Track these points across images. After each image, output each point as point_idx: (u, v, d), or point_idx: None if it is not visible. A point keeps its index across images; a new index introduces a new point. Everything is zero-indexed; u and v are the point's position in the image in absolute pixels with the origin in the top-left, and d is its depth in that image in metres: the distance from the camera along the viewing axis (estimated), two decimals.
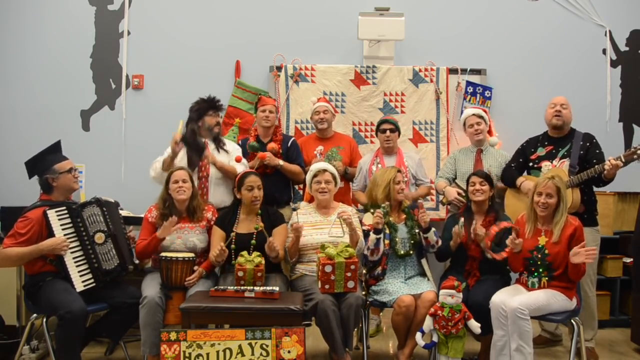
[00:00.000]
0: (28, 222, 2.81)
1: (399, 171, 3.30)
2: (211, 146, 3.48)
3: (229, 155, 3.49)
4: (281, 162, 3.56)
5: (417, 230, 3.21)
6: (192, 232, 3.14)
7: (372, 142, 4.44)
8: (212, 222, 3.20)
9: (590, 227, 3.32)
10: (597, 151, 3.36)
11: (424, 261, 3.29)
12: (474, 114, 3.74)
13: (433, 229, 3.21)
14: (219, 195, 3.45)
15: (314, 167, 3.31)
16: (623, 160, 3.10)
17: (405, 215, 3.27)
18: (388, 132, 3.69)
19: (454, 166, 3.78)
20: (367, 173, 3.71)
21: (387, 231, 3.17)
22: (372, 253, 3.11)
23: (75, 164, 3.07)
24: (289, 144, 3.72)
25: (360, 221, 3.30)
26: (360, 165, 3.79)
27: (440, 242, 3.23)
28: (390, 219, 3.22)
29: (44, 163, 2.94)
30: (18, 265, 3.04)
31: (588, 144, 3.37)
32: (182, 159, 3.42)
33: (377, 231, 3.08)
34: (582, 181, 3.23)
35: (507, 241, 2.91)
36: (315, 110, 3.86)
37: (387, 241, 3.14)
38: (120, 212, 3.35)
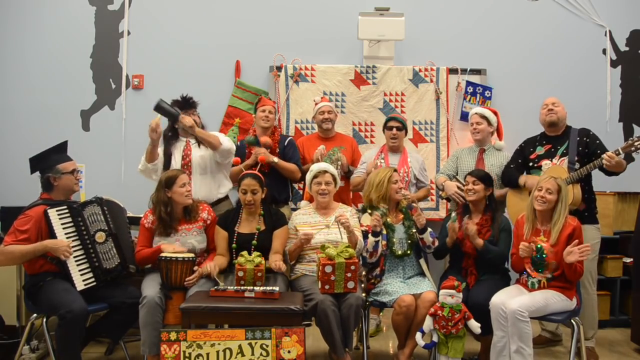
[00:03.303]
0: (28, 220, 2.81)
1: (394, 170, 3.30)
2: (192, 142, 3.50)
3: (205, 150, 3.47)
4: (275, 159, 3.56)
5: (414, 230, 3.21)
6: (190, 233, 3.13)
7: (372, 142, 4.45)
8: (209, 222, 3.20)
9: (590, 225, 3.33)
10: (598, 141, 3.36)
11: (422, 261, 3.29)
12: (476, 113, 3.76)
13: (429, 229, 3.20)
14: (204, 189, 3.45)
15: (315, 167, 3.31)
16: (621, 152, 3.11)
17: (402, 215, 3.27)
18: (395, 129, 3.70)
19: (456, 164, 3.79)
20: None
21: (384, 232, 3.16)
22: (371, 255, 3.11)
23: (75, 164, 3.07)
24: (286, 143, 3.74)
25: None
26: (365, 157, 3.80)
27: (436, 243, 3.22)
28: (388, 219, 3.21)
29: (48, 161, 2.95)
30: (20, 263, 3.04)
31: (586, 139, 3.38)
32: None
33: (375, 234, 3.08)
34: (583, 177, 3.23)
35: (521, 253, 2.88)
36: (320, 110, 3.87)
37: (384, 242, 3.14)
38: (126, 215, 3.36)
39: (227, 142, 3.49)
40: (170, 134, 3.52)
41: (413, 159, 3.77)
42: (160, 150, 3.47)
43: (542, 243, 2.90)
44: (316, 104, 3.94)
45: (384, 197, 3.22)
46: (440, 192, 3.88)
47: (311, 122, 4.42)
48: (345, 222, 3.03)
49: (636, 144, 3.10)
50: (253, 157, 3.54)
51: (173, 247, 3.02)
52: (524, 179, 3.44)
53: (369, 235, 3.09)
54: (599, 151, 3.26)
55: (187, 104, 3.53)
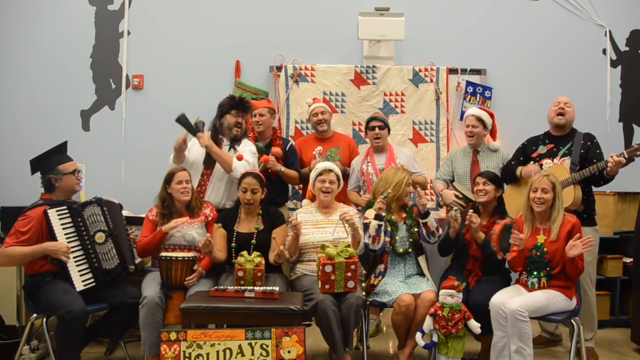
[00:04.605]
0: (29, 221, 2.81)
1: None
2: (225, 143, 3.47)
3: (234, 154, 3.43)
4: (282, 168, 3.60)
5: (415, 229, 3.22)
6: (191, 226, 3.15)
7: None
8: (210, 218, 3.22)
9: (589, 227, 3.32)
10: (598, 151, 3.37)
11: (421, 259, 3.28)
12: (473, 115, 3.73)
13: (432, 214, 3.21)
14: (216, 194, 3.44)
15: (320, 166, 3.31)
16: (626, 156, 3.11)
17: (405, 214, 3.28)
18: (377, 129, 3.68)
19: (451, 167, 3.77)
20: (359, 174, 3.71)
21: (389, 229, 3.17)
22: (374, 240, 3.10)
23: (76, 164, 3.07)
24: (287, 149, 3.74)
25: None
26: (353, 166, 3.78)
27: (441, 230, 3.24)
28: (392, 217, 3.22)
29: (49, 163, 2.95)
30: (20, 265, 3.04)
31: (589, 144, 3.38)
32: (196, 159, 3.44)
33: (378, 217, 3.08)
34: (585, 178, 3.23)
35: (511, 240, 2.90)
36: (313, 112, 3.87)
37: (388, 239, 3.15)
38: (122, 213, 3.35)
39: (241, 169, 3.31)
40: (216, 127, 3.49)
41: (400, 154, 3.73)
42: (186, 153, 3.42)
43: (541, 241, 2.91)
44: (309, 106, 3.94)
45: (399, 197, 3.23)
46: (440, 200, 3.88)
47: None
48: (350, 219, 3.04)
49: None
50: (260, 164, 3.54)
51: (174, 223, 3.02)
52: (520, 168, 3.45)
53: (372, 220, 3.09)
54: (595, 160, 3.26)
55: (241, 105, 3.48)
